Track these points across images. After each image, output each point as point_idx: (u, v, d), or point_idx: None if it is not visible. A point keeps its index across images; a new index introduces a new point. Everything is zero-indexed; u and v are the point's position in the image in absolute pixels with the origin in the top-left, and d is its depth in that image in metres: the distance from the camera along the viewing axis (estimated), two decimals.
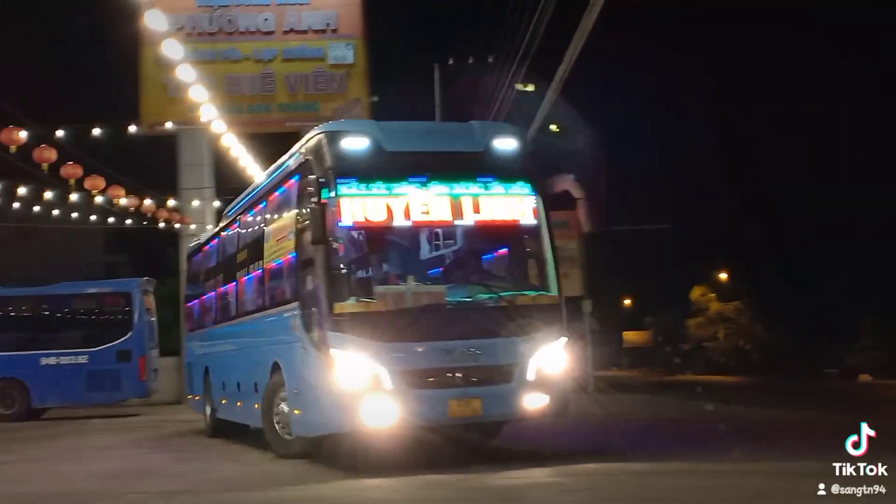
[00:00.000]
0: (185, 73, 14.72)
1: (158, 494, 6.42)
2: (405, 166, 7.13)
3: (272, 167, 9.44)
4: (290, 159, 8.10)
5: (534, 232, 7.49)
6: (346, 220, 6.87)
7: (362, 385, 6.69)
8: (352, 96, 20.13)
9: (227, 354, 10.25)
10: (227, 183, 19.91)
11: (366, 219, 6.89)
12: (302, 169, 7.47)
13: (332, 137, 7.20)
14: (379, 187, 6.95)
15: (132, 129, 17.33)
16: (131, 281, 17.25)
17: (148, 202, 18.88)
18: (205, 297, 11.94)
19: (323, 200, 6.74)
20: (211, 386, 10.91)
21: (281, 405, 7.86)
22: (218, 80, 18.04)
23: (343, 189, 6.83)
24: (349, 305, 6.79)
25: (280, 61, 20.22)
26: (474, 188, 7.25)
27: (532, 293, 7.42)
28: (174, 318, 17.91)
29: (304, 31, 20.18)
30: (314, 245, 6.86)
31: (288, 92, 20.30)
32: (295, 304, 7.35)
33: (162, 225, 20.41)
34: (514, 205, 7.39)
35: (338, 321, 6.73)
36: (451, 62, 20.46)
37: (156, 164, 21.45)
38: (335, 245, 6.94)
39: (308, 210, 6.93)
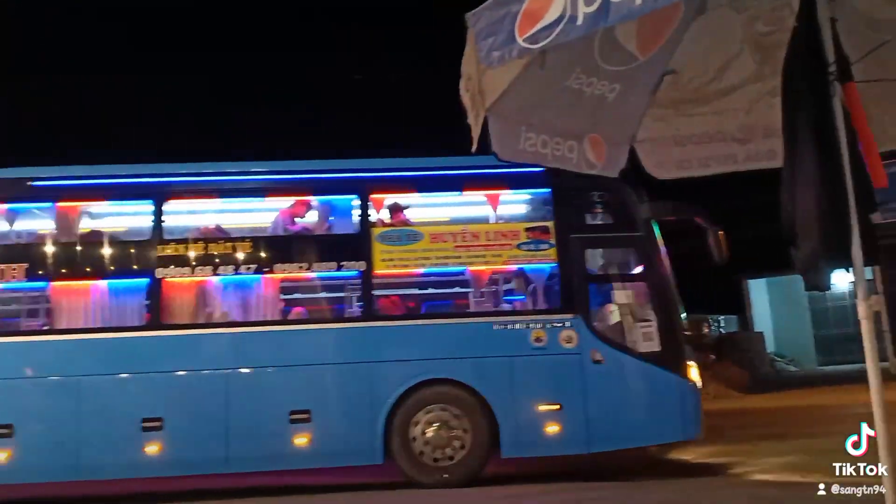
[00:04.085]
0: None
1: None
2: None
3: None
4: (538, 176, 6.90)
5: None
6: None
7: (699, 394, 6.73)
8: None
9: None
10: None
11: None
12: (610, 190, 6.99)
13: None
14: None
15: None
16: None
17: None
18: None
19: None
20: None
21: (427, 431, 6.86)
22: None
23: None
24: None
25: None
26: None
27: None
28: None
29: None
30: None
31: None
32: (572, 315, 6.85)
33: None
34: None
35: (685, 333, 6.79)
36: None
37: None
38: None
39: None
